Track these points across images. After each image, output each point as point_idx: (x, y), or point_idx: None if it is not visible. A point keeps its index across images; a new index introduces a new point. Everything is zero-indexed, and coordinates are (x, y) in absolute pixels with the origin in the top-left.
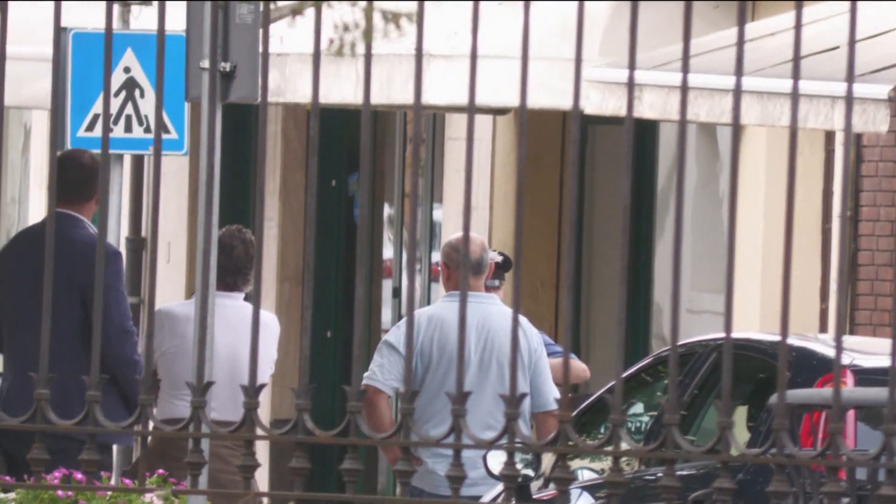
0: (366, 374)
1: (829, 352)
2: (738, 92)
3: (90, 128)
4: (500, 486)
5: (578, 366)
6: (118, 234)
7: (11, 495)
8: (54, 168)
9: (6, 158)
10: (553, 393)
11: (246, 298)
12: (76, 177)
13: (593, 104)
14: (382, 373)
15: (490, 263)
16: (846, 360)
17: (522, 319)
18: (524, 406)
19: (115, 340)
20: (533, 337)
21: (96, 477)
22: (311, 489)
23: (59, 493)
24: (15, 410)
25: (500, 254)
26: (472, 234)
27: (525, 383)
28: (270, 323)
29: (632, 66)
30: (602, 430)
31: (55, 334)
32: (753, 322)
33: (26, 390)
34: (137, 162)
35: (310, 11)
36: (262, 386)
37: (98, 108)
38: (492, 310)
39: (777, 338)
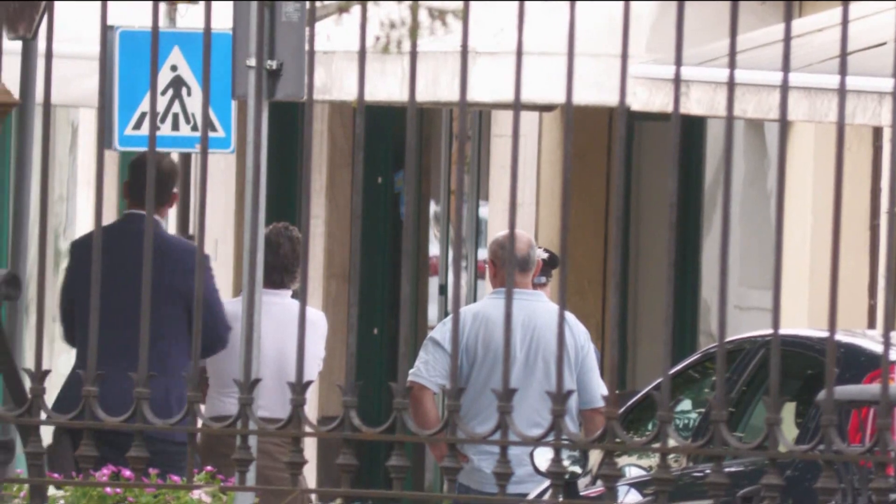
0: (411, 371)
1: (877, 348)
2: (785, 88)
3: (137, 126)
4: (546, 484)
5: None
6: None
7: (61, 492)
8: (101, 166)
9: (54, 156)
10: (601, 389)
11: (293, 296)
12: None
13: (640, 100)
14: (427, 369)
15: (537, 260)
16: (894, 355)
17: (569, 316)
18: (571, 403)
19: (215, 345)
20: (580, 333)
21: (144, 474)
22: (359, 486)
23: (108, 490)
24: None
25: (546, 251)
26: (519, 231)
27: (571, 380)
28: (317, 320)
29: (678, 62)
30: (649, 427)
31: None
32: (801, 318)
33: (104, 386)
34: (184, 160)
35: (356, 9)
36: (310, 383)
37: (145, 106)
38: (538, 307)
39: (825, 334)
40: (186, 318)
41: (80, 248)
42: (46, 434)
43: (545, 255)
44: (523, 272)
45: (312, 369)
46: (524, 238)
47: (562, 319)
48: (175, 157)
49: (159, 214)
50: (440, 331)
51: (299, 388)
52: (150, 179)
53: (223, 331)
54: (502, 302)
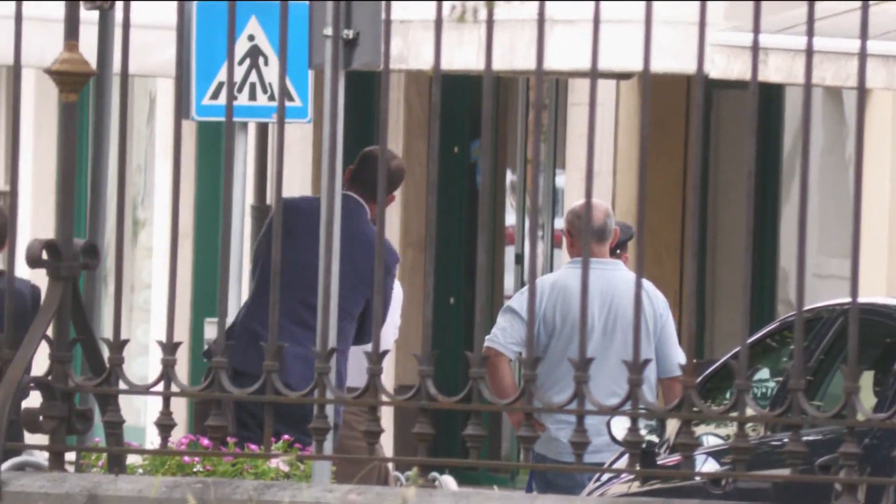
0: (487, 337)
1: None
2: (863, 56)
3: (215, 96)
4: (622, 452)
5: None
6: (243, 202)
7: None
8: (179, 136)
9: (132, 126)
10: (679, 358)
11: None
12: (374, 176)
13: (718, 68)
14: (504, 335)
15: (614, 230)
16: None
17: (647, 284)
18: (649, 372)
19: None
20: (658, 302)
21: (222, 443)
22: (435, 455)
23: (186, 458)
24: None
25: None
26: (596, 201)
27: (650, 349)
28: (394, 289)
29: (756, 29)
30: (727, 396)
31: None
32: (880, 287)
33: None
34: (262, 130)
35: None
36: (386, 352)
37: (222, 76)
38: (616, 276)
39: None
40: (361, 302)
41: (287, 211)
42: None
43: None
44: (600, 241)
45: (389, 338)
46: (601, 207)
47: (639, 288)
48: (252, 126)
49: (370, 207)
50: (517, 299)
51: (375, 357)
52: (227, 151)
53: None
54: (579, 271)
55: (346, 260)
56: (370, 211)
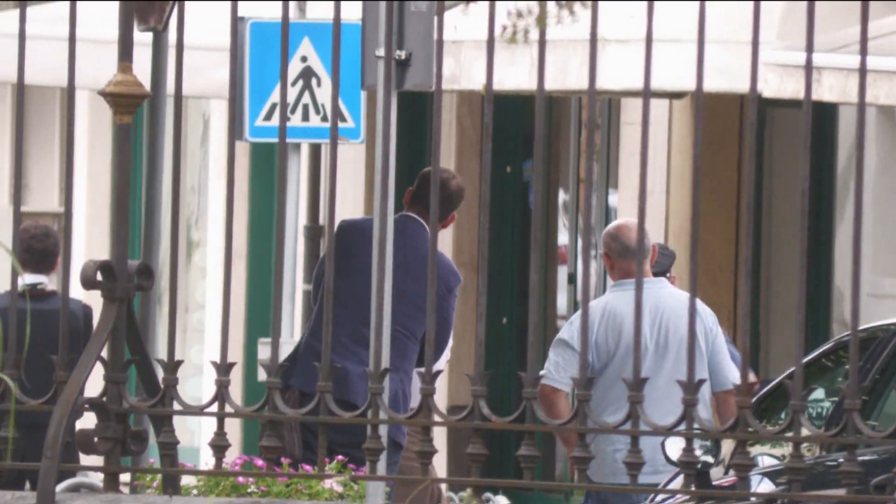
0: (542, 372)
1: None
2: None
3: (268, 117)
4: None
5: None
6: (296, 222)
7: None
8: (232, 157)
9: (186, 147)
10: (732, 370)
11: None
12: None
13: (771, 87)
14: (557, 371)
15: (652, 246)
16: None
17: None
18: (704, 388)
19: (440, 351)
20: (707, 317)
21: (276, 463)
22: (489, 475)
23: (240, 479)
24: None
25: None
26: (631, 220)
27: (703, 366)
28: None
29: (810, 48)
30: (782, 416)
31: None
32: None
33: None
34: (315, 151)
35: None
36: (439, 372)
37: (276, 97)
38: (662, 293)
39: None
40: (424, 323)
41: (346, 233)
42: (179, 424)
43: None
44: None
45: (441, 359)
46: (636, 226)
47: (693, 308)
48: (304, 147)
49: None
50: (567, 330)
51: (428, 377)
52: (280, 172)
53: (446, 342)
54: (625, 293)
55: (410, 280)
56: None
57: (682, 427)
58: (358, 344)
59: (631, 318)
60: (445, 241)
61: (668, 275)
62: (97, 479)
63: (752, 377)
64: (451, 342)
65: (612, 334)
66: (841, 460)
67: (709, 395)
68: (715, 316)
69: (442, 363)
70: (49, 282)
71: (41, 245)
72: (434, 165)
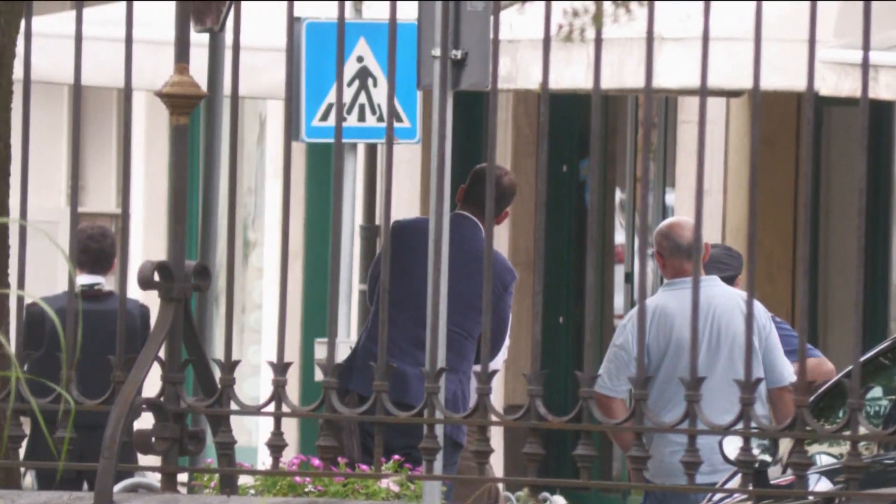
0: (597, 381)
1: None
2: None
3: (324, 117)
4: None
5: (827, 367)
6: (352, 222)
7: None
8: (289, 157)
9: (242, 148)
10: (787, 367)
11: None
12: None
13: (828, 85)
14: (611, 379)
15: (705, 245)
16: None
17: (744, 296)
18: (760, 386)
19: (496, 351)
20: (760, 313)
21: (333, 463)
22: (546, 475)
23: (297, 479)
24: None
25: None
26: (683, 218)
27: (758, 364)
28: None
29: (866, 46)
30: (840, 415)
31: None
32: None
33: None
34: (371, 151)
35: None
36: (495, 372)
37: (332, 97)
38: (713, 291)
39: None
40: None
41: (401, 233)
42: (236, 424)
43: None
44: (692, 259)
45: (498, 358)
46: (688, 224)
47: (751, 308)
48: (361, 147)
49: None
50: (620, 335)
51: (485, 377)
52: (337, 172)
53: (503, 340)
54: (677, 293)
55: (465, 279)
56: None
57: (740, 426)
58: (415, 346)
59: (681, 318)
60: (502, 240)
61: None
62: (155, 479)
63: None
64: (507, 341)
65: (663, 334)
66: None
67: (764, 390)
68: (768, 313)
69: (498, 363)
70: (106, 282)
71: (98, 246)
72: (489, 165)
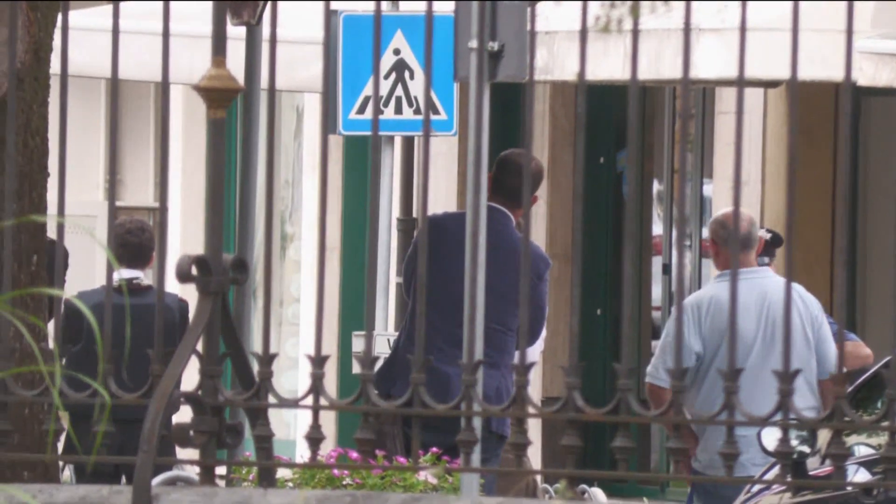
0: (647, 371)
1: None
2: None
3: (361, 110)
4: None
5: (864, 351)
6: (389, 215)
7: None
8: (326, 150)
9: (279, 141)
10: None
11: None
12: (516, 183)
13: (866, 76)
14: (659, 371)
15: (759, 238)
16: None
17: (799, 288)
18: (810, 376)
19: (533, 341)
20: (812, 305)
21: (371, 456)
22: (584, 467)
23: (335, 471)
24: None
25: (770, 231)
26: (741, 210)
27: (810, 353)
28: None
29: None
30: (878, 406)
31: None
32: None
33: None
34: (408, 143)
35: None
36: (532, 364)
37: (369, 90)
38: (768, 283)
39: None
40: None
41: (433, 228)
42: (274, 417)
43: (768, 236)
44: (746, 250)
45: (535, 350)
46: (745, 216)
47: (789, 296)
48: (398, 140)
49: (514, 214)
50: (671, 324)
51: (522, 369)
52: (374, 165)
53: (541, 330)
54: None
55: (500, 273)
56: (514, 217)
57: (779, 417)
58: (454, 346)
59: (740, 312)
60: (539, 233)
61: (768, 260)
62: (193, 472)
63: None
64: (544, 333)
65: (718, 326)
66: None
67: (815, 381)
68: (820, 304)
69: (536, 355)
70: (145, 276)
71: (136, 240)
72: (526, 156)
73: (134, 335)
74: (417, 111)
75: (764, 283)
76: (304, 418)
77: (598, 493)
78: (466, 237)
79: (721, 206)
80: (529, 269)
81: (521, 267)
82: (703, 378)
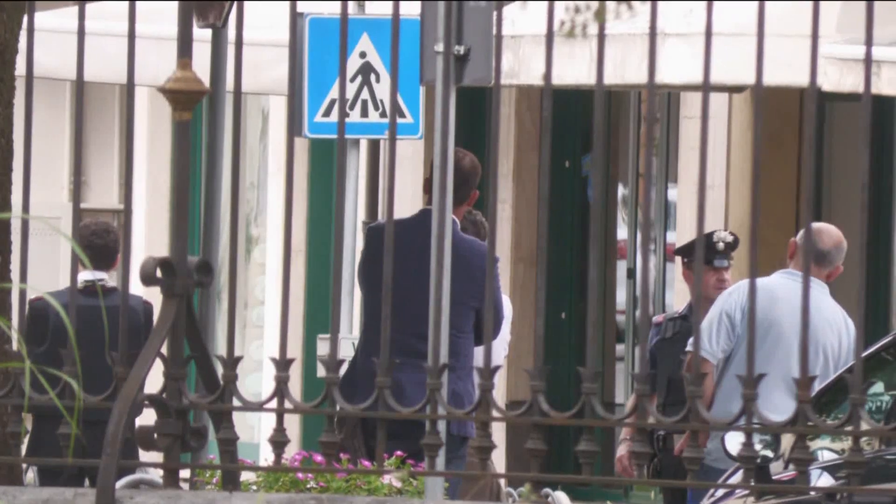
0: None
1: None
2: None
3: (327, 113)
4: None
5: None
6: (355, 218)
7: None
8: (291, 153)
9: (245, 144)
10: None
11: None
12: (455, 180)
13: (831, 81)
14: (710, 342)
15: (837, 266)
16: None
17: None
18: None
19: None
20: (851, 326)
21: (335, 459)
22: (548, 470)
23: (300, 475)
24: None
25: (731, 234)
26: (831, 227)
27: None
28: (504, 305)
29: (869, 42)
30: (842, 410)
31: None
32: None
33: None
34: (373, 146)
35: None
36: (497, 368)
37: (335, 93)
38: (821, 301)
39: None
40: (471, 315)
41: (375, 236)
42: (238, 420)
43: (729, 238)
44: (818, 265)
45: (500, 354)
46: (834, 233)
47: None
48: (364, 143)
49: (456, 213)
50: (727, 301)
51: (487, 373)
52: (339, 168)
53: (500, 328)
54: (791, 283)
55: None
56: (456, 217)
57: (742, 421)
58: (413, 358)
59: (787, 306)
60: (504, 236)
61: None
62: (157, 475)
63: None
64: (509, 337)
65: (762, 311)
66: None
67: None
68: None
69: (500, 358)
70: (109, 278)
71: (101, 242)
72: (493, 161)
73: (98, 337)
74: (383, 114)
75: (817, 298)
76: (268, 421)
77: (561, 496)
78: (433, 238)
79: (686, 210)
80: (493, 271)
81: (479, 269)
82: (730, 363)
